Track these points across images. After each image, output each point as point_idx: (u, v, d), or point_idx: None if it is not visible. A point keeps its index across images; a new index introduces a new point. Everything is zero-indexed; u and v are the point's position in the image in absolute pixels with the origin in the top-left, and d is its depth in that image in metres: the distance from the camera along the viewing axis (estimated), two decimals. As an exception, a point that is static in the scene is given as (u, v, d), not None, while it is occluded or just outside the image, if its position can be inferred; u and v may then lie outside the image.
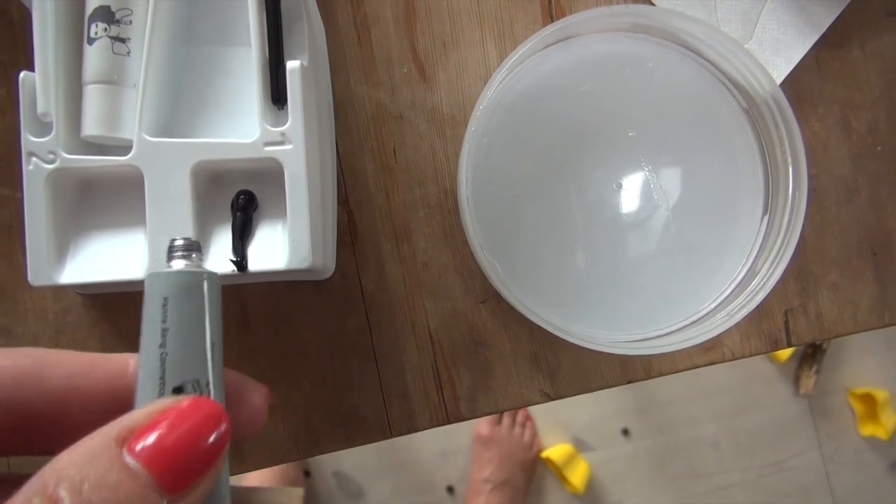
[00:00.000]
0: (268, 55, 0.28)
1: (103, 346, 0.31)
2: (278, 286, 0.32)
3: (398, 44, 0.33)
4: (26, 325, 0.31)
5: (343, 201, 0.32)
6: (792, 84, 0.34)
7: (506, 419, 1.14)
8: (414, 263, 0.32)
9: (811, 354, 1.20)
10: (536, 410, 1.17)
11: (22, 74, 0.27)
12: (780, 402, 1.24)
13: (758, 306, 0.29)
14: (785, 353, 1.21)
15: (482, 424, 1.13)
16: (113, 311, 0.31)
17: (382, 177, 0.32)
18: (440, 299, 0.32)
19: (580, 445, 1.20)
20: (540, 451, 1.16)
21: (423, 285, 0.32)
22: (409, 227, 0.32)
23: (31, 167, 0.27)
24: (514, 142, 0.32)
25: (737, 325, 0.30)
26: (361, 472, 1.16)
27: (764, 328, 0.33)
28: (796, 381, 1.22)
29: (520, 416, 1.16)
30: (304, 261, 0.27)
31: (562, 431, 1.20)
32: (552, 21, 0.33)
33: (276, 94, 0.28)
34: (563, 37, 0.32)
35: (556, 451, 1.15)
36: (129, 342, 0.31)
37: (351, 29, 0.32)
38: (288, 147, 0.27)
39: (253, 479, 1.02)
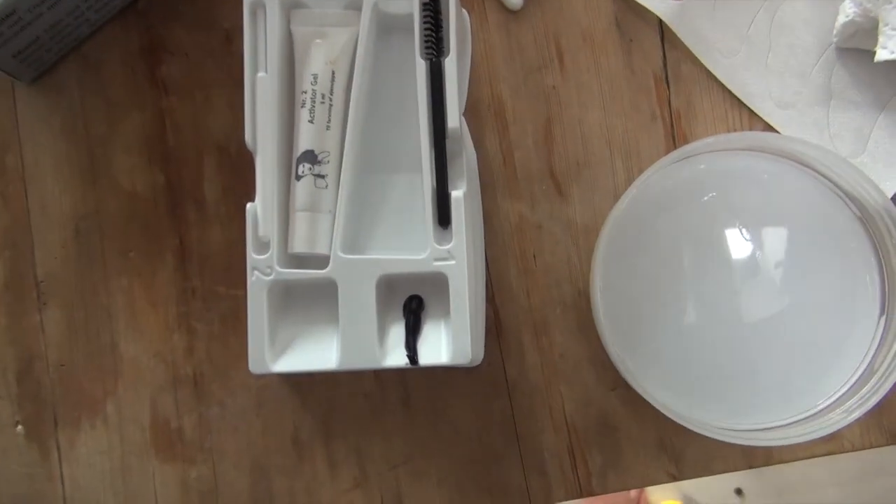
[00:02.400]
0: (437, 186, 0.34)
1: (294, 416, 0.38)
2: (435, 371, 0.38)
3: (538, 164, 0.38)
4: (235, 398, 0.38)
5: (490, 299, 0.38)
6: (905, 193, 0.36)
7: None
8: (551, 354, 0.37)
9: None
10: (645, 465, 1.16)
11: (248, 206, 0.34)
12: (913, 466, 1.16)
13: (876, 405, 0.32)
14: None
15: None
16: (302, 388, 0.38)
17: (524, 279, 0.38)
18: (574, 386, 0.37)
19: (690, 503, 1.18)
20: None
21: (560, 374, 0.37)
22: (547, 323, 0.37)
23: (254, 278, 0.34)
24: (641, 248, 0.37)
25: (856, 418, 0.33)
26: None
27: (884, 422, 0.35)
28: (931, 446, 1.15)
29: None
30: (464, 357, 0.33)
31: (671, 487, 1.18)
32: (674, 141, 0.38)
33: (444, 218, 0.34)
34: (686, 156, 0.37)
35: (663, 506, 1.14)
36: (314, 413, 0.38)
37: (497, 153, 0.38)
38: (452, 262, 0.33)
39: None
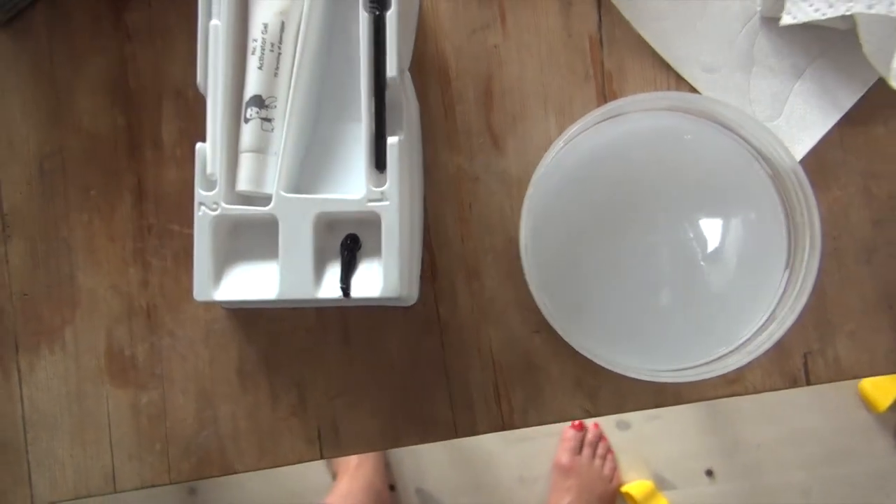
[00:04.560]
0: (374, 132, 0.36)
1: (239, 349, 0.41)
2: (373, 310, 0.40)
3: (477, 119, 0.40)
4: (185, 329, 0.41)
5: (427, 244, 0.40)
6: (817, 156, 0.39)
7: (586, 450, 1.15)
8: (482, 297, 0.40)
9: (916, 406, 1.15)
10: (618, 444, 1.18)
11: (198, 146, 0.36)
12: (879, 453, 1.19)
13: (774, 345, 0.35)
14: (884, 402, 1.17)
15: (562, 453, 1.14)
16: (248, 322, 0.41)
17: (460, 226, 0.40)
18: (501, 328, 0.40)
19: (661, 483, 1.20)
20: (620, 485, 1.16)
21: (488, 316, 0.40)
22: (479, 268, 0.40)
23: (200, 213, 0.36)
24: (570, 200, 0.39)
25: (759, 363, 0.36)
26: (443, 489, 1.21)
27: (784, 367, 0.38)
28: (898, 432, 1.18)
29: (600, 447, 1.16)
30: (393, 291, 0.35)
31: (643, 467, 1.20)
32: (605, 100, 0.40)
33: (379, 162, 0.36)
34: (614, 114, 0.39)
35: (636, 486, 1.15)
36: (258, 346, 0.41)
37: (440, 107, 0.41)
38: (385, 203, 0.35)
39: (342, 489, 1.09)
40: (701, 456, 1.20)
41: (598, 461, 1.14)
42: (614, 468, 1.16)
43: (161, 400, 0.40)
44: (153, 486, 0.40)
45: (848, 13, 0.34)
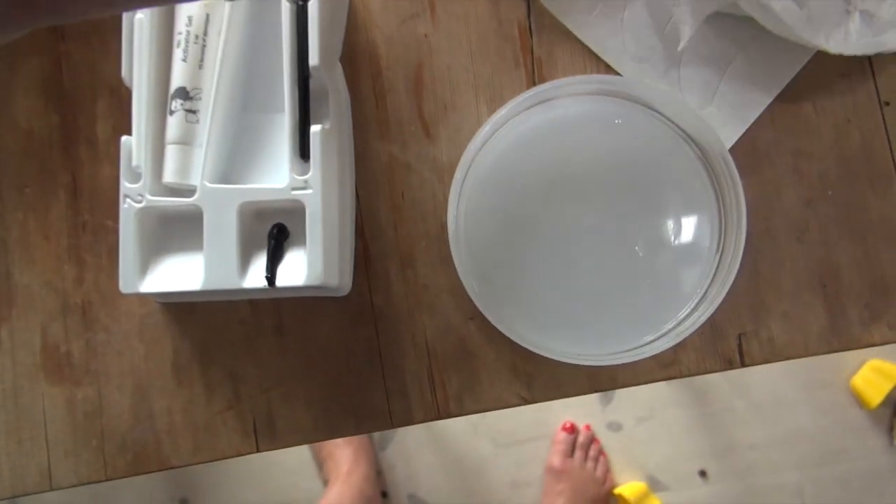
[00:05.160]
0: (297, 120, 0.36)
1: (174, 342, 0.40)
2: (307, 300, 0.40)
3: (408, 107, 0.40)
4: (120, 325, 0.41)
5: (360, 233, 0.40)
6: (748, 136, 0.39)
7: (578, 452, 1.14)
8: (415, 285, 0.40)
9: (908, 402, 1.14)
10: (610, 446, 1.17)
11: (122, 139, 0.36)
12: (872, 451, 1.17)
13: (706, 326, 0.34)
14: (876, 399, 1.16)
15: (554, 456, 1.13)
16: (183, 315, 0.40)
17: (392, 214, 0.40)
18: (436, 315, 0.39)
19: (655, 485, 1.19)
20: (612, 487, 1.14)
21: (422, 303, 0.39)
22: (413, 255, 0.40)
23: (125, 206, 0.36)
24: (500, 186, 0.39)
25: (694, 346, 0.35)
26: (435, 496, 1.20)
27: (719, 349, 0.38)
28: (890, 430, 1.17)
29: (593, 450, 1.15)
30: (317, 279, 0.35)
31: (636, 469, 1.19)
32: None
33: (303, 151, 0.36)
34: (543, 99, 0.39)
35: (629, 488, 1.14)
36: (193, 339, 0.40)
37: (371, 96, 0.41)
38: (309, 191, 0.35)
39: (332, 496, 1.09)
40: (694, 457, 1.19)
41: (590, 463, 1.13)
42: (607, 470, 1.15)
43: (97, 396, 0.40)
44: (90, 482, 0.40)
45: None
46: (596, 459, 1.14)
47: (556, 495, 1.12)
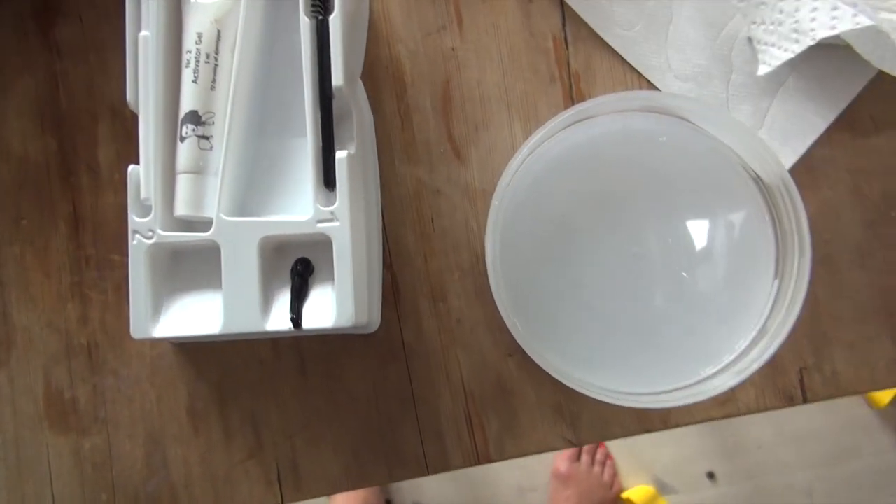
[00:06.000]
0: (321, 146, 0.33)
1: (189, 386, 0.37)
2: (331, 337, 0.37)
3: (436, 128, 0.38)
4: (130, 368, 0.38)
5: (388, 265, 0.37)
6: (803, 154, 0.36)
7: (585, 457, 1.13)
8: (449, 319, 0.37)
9: (917, 400, 1.13)
10: (617, 450, 1.16)
11: (130, 168, 0.33)
12: (882, 450, 1.17)
13: (766, 363, 0.32)
14: (885, 398, 1.15)
15: (561, 461, 1.12)
16: (198, 356, 0.37)
17: (422, 243, 0.37)
18: (471, 352, 0.36)
19: (662, 488, 1.18)
20: (620, 491, 1.14)
21: (457, 339, 0.37)
22: (445, 288, 0.37)
23: (135, 242, 0.33)
24: (538, 211, 0.36)
25: (752, 381, 0.33)
26: (441, 503, 1.19)
27: (779, 385, 0.35)
28: (901, 428, 1.16)
29: (599, 454, 1.15)
30: (348, 320, 0.32)
31: (643, 472, 1.18)
32: (573, 103, 0.37)
33: (328, 179, 0.33)
34: (582, 118, 0.36)
35: (636, 492, 1.13)
36: (209, 382, 0.37)
37: (395, 117, 0.38)
38: (336, 224, 0.32)
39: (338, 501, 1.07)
40: (701, 459, 1.18)
41: (597, 468, 1.13)
42: (614, 474, 1.15)
43: (106, 445, 0.37)
44: (100, 540, 0.37)
45: (813, 42, 0.32)
46: (603, 463, 1.14)
47: (563, 500, 1.11)
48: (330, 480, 0.36)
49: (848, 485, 1.16)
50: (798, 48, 0.33)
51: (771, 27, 0.33)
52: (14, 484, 0.37)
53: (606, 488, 1.12)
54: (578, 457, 1.12)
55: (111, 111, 0.39)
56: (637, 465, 1.18)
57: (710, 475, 1.17)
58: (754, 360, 0.33)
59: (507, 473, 1.17)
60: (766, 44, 0.33)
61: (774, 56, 0.33)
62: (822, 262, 0.36)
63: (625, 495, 1.13)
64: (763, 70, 0.34)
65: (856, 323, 0.35)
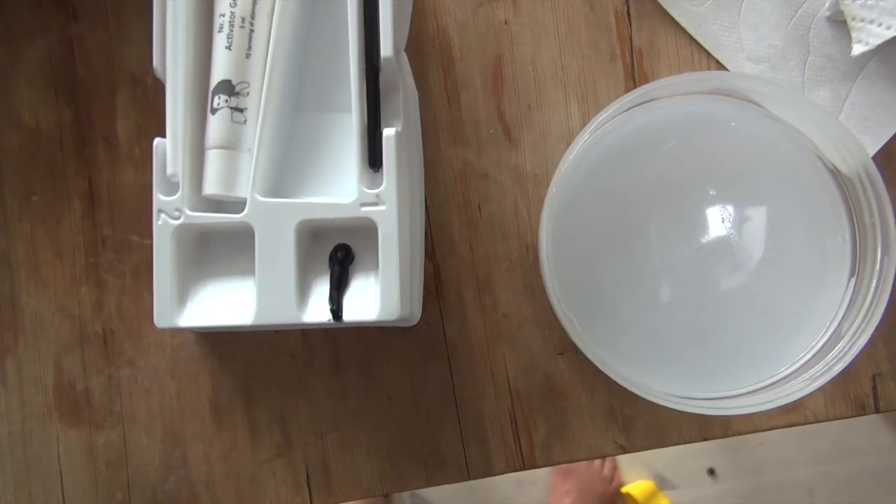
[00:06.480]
0: (366, 123, 0.30)
1: (212, 379, 0.35)
2: (368, 330, 0.34)
3: (485, 107, 0.35)
4: (148, 358, 0.35)
5: (430, 253, 0.34)
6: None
7: None
8: (495, 314, 0.34)
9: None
10: (617, 444, 1.15)
11: (156, 141, 0.30)
12: (884, 448, 1.16)
13: (846, 369, 0.29)
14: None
15: None
16: (222, 347, 0.35)
17: (467, 231, 0.34)
18: (519, 349, 0.34)
19: (662, 483, 1.17)
20: (620, 485, 1.14)
21: (503, 335, 0.34)
22: (491, 279, 0.34)
23: (160, 222, 0.30)
24: (595, 200, 0.34)
25: (821, 388, 0.30)
26: (437, 494, 1.17)
27: (850, 392, 0.33)
28: (906, 428, 1.15)
29: None
30: (393, 313, 0.29)
31: (643, 467, 1.18)
32: (634, 83, 0.35)
33: (373, 159, 0.30)
34: (646, 100, 0.33)
35: (637, 486, 1.12)
36: (235, 375, 0.35)
37: (442, 94, 0.35)
38: (382, 208, 0.30)
39: None
40: (702, 454, 1.17)
41: (597, 462, 1.13)
42: (614, 468, 1.14)
43: (121, 441, 0.35)
44: (113, 542, 0.34)
45: None
46: (603, 458, 1.13)
47: (562, 494, 1.11)
48: (363, 484, 0.34)
49: (850, 482, 1.15)
50: None
51: (871, 1, 0.30)
52: (21, 480, 0.34)
53: (606, 482, 1.12)
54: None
55: (131, 80, 0.36)
56: (637, 459, 1.17)
57: (711, 471, 1.17)
58: (829, 364, 0.30)
59: (508, 466, 1.15)
60: (863, 20, 0.30)
61: (874, 34, 0.30)
62: (900, 262, 0.33)
63: (625, 490, 1.12)
64: (858, 49, 0.31)
65: (934, 328, 0.33)
